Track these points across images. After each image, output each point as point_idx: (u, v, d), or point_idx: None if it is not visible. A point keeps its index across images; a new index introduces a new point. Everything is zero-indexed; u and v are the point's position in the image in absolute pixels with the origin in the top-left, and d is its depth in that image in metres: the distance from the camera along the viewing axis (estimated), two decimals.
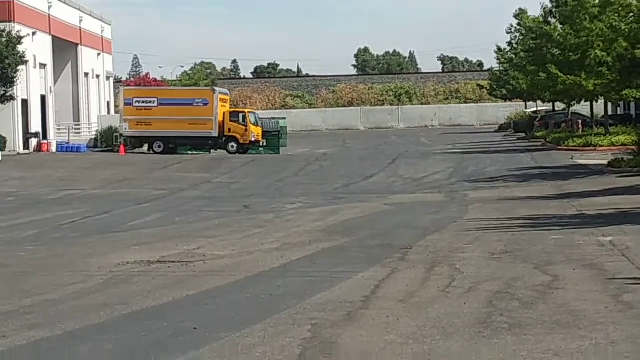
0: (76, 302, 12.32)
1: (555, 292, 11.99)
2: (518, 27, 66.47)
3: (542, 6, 51.50)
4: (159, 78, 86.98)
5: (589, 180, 30.43)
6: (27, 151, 53.86)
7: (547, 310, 10.89)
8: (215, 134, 52.71)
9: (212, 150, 53.65)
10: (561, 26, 48.05)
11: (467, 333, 9.89)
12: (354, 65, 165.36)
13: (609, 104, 54.01)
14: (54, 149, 55.37)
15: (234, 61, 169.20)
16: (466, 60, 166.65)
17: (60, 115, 62.79)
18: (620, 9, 37.05)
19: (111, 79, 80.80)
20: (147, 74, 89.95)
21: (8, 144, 51.99)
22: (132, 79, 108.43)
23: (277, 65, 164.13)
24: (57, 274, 14.76)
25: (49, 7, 60.23)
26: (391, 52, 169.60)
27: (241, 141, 53.02)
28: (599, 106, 55.00)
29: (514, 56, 69.75)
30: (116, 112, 69.20)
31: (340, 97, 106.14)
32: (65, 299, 12.55)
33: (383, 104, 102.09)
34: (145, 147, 53.92)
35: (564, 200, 24.52)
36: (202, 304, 11.91)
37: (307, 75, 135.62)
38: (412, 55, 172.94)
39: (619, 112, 64.77)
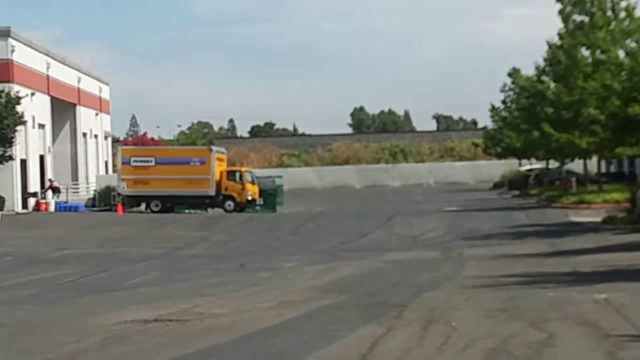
0: None
1: (551, 350, 12.09)
2: (512, 86, 67.24)
3: (536, 65, 52.10)
4: (156, 137, 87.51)
5: (583, 238, 30.54)
6: (25, 210, 53.99)
7: None
8: (212, 192, 52.94)
9: (209, 209, 53.81)
10: (554, 84, 48.44)
11: None
12: (349, 124, 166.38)
13: (602, 162, 54.35)
14: (52, 208, 55.48)
15: (231, 120, 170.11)
16: (460, 118, 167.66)
17: (59, 174, 63.03)
18: (613, 67, 37.56)
19: (109, 139, 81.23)
20: (145, 133, 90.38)
21: (7, 203, 52.13)
22: (129, 139, 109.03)
23: (274, 125, 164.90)
24: (55, 333, 14.85)
25: (48, 68, 60.79)
26: (386, 110, 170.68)
27: (238, 200, 53.24)
28: (592, 164, 55.33)
29: (508, 114, 70.37)
30: (114, 172, 69.48)
31: (336, 156, 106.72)
32: (61, 359, 12.62)
33: (378, 162, 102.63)
34: (143, 206, 54.07)
35: (558, 258, 24.63)
36: None
37: (303, 134, 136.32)
38: (407, 114, 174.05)
39: (612, 170, 65.13)
